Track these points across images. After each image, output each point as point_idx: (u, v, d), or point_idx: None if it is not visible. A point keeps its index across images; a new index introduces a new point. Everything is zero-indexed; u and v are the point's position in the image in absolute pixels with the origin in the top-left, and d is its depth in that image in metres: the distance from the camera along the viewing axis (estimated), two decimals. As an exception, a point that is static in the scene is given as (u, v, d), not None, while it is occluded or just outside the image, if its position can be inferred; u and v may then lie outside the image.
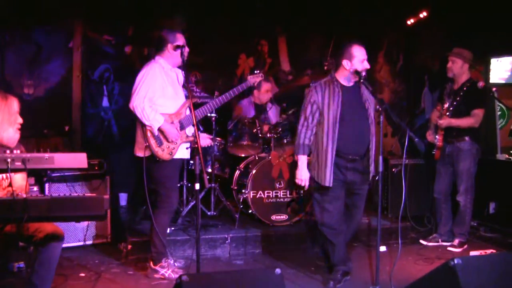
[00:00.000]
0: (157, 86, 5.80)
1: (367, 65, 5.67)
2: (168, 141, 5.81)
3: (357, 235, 7.36)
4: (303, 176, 5.83)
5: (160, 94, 5.83)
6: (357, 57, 5.64)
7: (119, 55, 8.73)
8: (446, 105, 7.04)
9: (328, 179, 5.65)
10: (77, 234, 7.00)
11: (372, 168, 5.81)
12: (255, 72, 6.73)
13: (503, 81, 8.92)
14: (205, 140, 6.43)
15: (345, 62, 5.68)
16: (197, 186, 5.12)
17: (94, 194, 4.28)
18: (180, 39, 5.97)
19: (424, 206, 8.09)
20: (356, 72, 5.57)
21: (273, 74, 9.66)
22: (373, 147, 5.79)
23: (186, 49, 5.97)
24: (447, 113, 7.03)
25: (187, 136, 5.97)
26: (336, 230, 5.86)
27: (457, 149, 7.18)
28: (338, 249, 5.92)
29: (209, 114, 6.31)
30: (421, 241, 7.56)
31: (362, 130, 5.72)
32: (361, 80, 5.53)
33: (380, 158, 5.29)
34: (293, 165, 7.42)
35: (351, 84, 5.76)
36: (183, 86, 6.09)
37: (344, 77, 5.74)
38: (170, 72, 5.99)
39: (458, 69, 7.17)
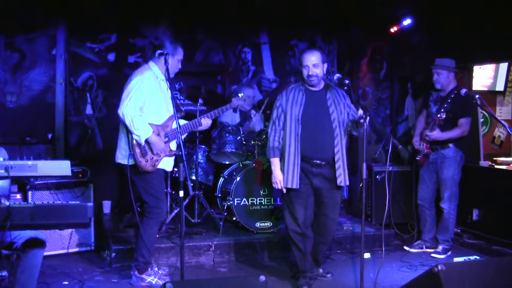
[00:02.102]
0: (149, 96, 5.77)
1: (311, 72, 5.75)
2: (152, 153, 5.80)
3: (340, 243, 7.39)
4: (277, 177, 5.92)
5: (150, 104, 5.80)
6: (301, 63, 5.83)
7: (103, 63, 8.70)
8: (443, 116, 7.02)
9: (294, 181, 5.78)
10: (60, 241, 6.97)
11: (342, 178, 5.82)
12: (239, 95, 6.87)
13: (485, 88, 9.00)
14: (206, 120, 6.31)
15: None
16: (181, 193, 5.10)
17: (78, 202, 4.27)
18: (180, 53, 5.99)
19: (408, 213, 8.13)
20: (339, 80, 5.65)
21: (257, 82, 9.66)
22: (341, 154, 5.80)
23: (179, 66, 6.04)
24: (437, 125, 7.05)
25: (171, 150, 5.96)
26: (303, 236, 5.95)
27: (441, 156, 7.23)
28: (305, 257, 6.02)
29: (194, 130, 6.30)
30: (405, 247, 7.60)
31: (325, 134, 5.78)
32: (345, 88, 5.60)
33: (364, 165, 5.29)
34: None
35: (316, 88, 5.87)
36: (171, 97, 6.06)
37: (307, 82, 5.90)
38: (162, 83, 5.95)
39: (445, 79, 7.23)
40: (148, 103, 5.76)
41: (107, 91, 8.65)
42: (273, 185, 5.97)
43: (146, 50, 6.03)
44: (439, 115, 7.02)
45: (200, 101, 7.38)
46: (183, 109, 7.03)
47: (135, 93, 5.67)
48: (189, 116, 6.79)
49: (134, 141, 5.70)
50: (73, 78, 8.52)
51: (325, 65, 5.84)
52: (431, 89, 7.49)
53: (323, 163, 5.79)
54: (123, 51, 8.82)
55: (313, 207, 5.98)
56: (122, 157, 5.92)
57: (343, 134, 5.82)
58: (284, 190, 5.89)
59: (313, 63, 5.73)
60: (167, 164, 6.03)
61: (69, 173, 4.36)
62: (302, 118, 5.76)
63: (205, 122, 6.27)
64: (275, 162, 5.93)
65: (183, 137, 6.33)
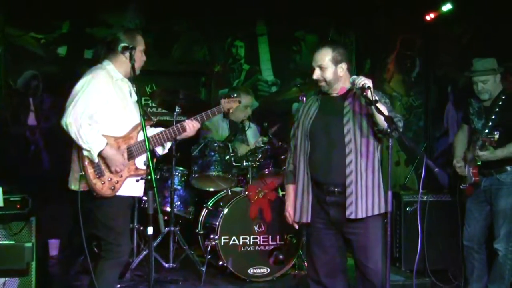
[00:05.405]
0: (101, 100, 5.64)
1: (315, 75, 5.68)
2: (110, 172, 5.71)
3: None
4: (286, 209, 5.86)
5: (105, 111, 5.67)
6: None
7: (51, 59, 8.67)
8: (495, 137, 6.85)
9: (303, 213, 5.66)
10: (-10, 294, 6.90)
11: (352, 208, 5.47)
12: (231, 96, 6.70)
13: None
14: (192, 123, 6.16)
15: None
16: (150, 230, 5.02)
17: (12, 242, 4.21)
18: (141, 43, 5.93)
19: (448, 257, 8.05)
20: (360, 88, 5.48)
21: (252, 85, 9.63)
22: (356, 176, 5.50)
23: (143, 58, 5.95)
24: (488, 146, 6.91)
25: (137, 169, 5.85)
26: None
27: (497, 183, 7.06)
28: None
29: (166, 145, 6.21)
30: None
31: (337, 152, 5.57)
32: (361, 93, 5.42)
33: (389, 194, 5.20)
34: (277, 203, 7.40)
35: (334, 94, 5.73)
36: (137, 101, 5.99)
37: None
38: (120, 83, 5.86)
39: (493, 87, 7.12)
40: (101, 109, 5.67)
41: (56, 95, 8.60)
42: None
43: (98, 48, 5.99)
44: (490, 136, 6.86)
45: (178, 109, 7.33)
46: (154, 119, 6.96)
47: (81, 97, 5.57)
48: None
49: (86, 160, 5.60)
50: (12, 78, 8.48)
51: (343, 65, 5.69)
52: (470, 98, 7.37)
53: (336, 189, 5.56)
54: (77, 43, 8.81)
55: (336, 249, 5.76)
56: (73, 181, 5.83)
57: (363, 150, 5.55)
58: (296, 226, 5.82)
59: (319, 64, 5.63)
60: (133, 188, 5.86)
61: (1, 203, 4.30)
62: (311, 133, 5.64)
63: (191, 126, 6.14)
64: (287, 190, 5.92)
65: (162, 151, 6.23)
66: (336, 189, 5.53)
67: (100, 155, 5.58)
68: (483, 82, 7.04)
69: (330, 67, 5.58)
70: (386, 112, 5.20)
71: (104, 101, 5.67)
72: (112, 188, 5.68)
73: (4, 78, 8.41)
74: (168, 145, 6.26)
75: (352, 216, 5.44)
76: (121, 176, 5.72)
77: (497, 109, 6.93)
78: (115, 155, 5.64)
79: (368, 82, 5.20)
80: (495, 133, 6.68)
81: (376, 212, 5.49)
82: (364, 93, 5.20)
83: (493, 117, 6.92)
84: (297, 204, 5.72)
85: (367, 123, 5.52)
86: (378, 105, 5.14)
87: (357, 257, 5.65)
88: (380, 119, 5.19)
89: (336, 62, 5.59)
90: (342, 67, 5.60)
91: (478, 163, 7.03)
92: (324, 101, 5.74)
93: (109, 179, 5.65)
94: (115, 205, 5.79)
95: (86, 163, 5.58)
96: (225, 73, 9.60)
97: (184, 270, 7.65)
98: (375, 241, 5.53)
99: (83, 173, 5.61)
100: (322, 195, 5.60)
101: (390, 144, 5.10)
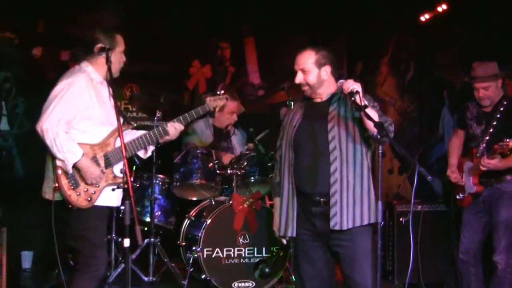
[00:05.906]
0: (80, 106, 5.57)
1: (298, 79, 5.60)
2: (86, 183, 5.66)
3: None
4: (274, 223, 5.80)
5: (83, 117, 5.60)
6: None
7: (25, 60, 8.62)
8: (510, 144, 6.73)
9: (288, 226, 5.59)
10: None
11: (337, 219, 5.40)
12: (218, 93, 6.61)
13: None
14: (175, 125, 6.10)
15: None
16: (127, 242, 4.96)
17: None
18: (121, 44, 5.88)
19: (444, 270, 8.02)
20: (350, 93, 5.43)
21: (238, 88, 9.59)
22: (341, 185, 5.43)
23: (122, 59, 5.90)
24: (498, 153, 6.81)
25: (115, 177, 5.78)
26: None
27: (497, 193, 6.96)
28: None
29: (149, 148, 6.14)
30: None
31: (322, 160, 5.50)
32: (352, 98, 5.37)
33: (379, 204, 5.15)
34: (263, 213, 7.36)
35: (319, 100, 5.69)
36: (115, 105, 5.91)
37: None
38: (100, 87, 5.78)
39: (495, 93, 7.05)
40: (79, 115, 5.60)
41: (30, 99, 8.56)
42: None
43: (76, 50, 5.93)
44: (502, 144, 6.76)
45: (158, 114, 7.27)
46: (134, 124, 6.91)
47: (60, 102, 5.48)
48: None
49: (59, 170, 5.52)
50: (-18, 81, 8.46)
51: (326, 68, 5.65)
52: (467, 101, 7.32)
53: (322, 199, 5.48)
54: (53, 44, 8.75)
55: (324, 262, 5.70)
56: (48, 190, 5.76)
57: (350, 157, 5.47)
58: (284, 241, 5.78)
59: (301, 67, 5.56)
60: (111, 197, 5.78)
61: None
62: (295, 142, 5.60)
63: (174, 128, 6.07)
64: (275, 204, 5.86)
65: (144, 155, 6.20)
66: (321, 199, 5.44)
67: (74, 166, 5.51)
68: (485, 89, 6.93)
69: (313, 70, 5.50)
70: (376, 118, 5.15)
71: (84, 107, 5.58)
72: (89, 199, 5.58)
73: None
74: (152, 148, 6.19)
75: (337, 227, 5.36)
76: (98, 186, 5.63)
77: (498, 115, 6.85)
78: (89, 168, 5.53)
79: (357, 87, 5.12)
80: (507, 140, 6.48)
81: (365, 222, 5.40)
82: (353, 98, 5.15)
83: (495, 123, 6.85)
84: (282, 218, 5.65)
85: (353, 129, 5.46)
86: (368, 110, 5.07)
87: (345, 270, 5.56)
88: (370, 125, 5.14)
89: (319, 65, 5.50)
90: (326, 70, 5.53)
91: (482, 170, 6.94)
92: (308, 107, 5.68)
93: (85, 189, 5.56)
94: (92, 216, 5.69)
95: (59, 172, 5.48)
96: (209, 76, 9.56)
97: (164, 284, 7.59)
98: (363, 254, 5.43)
99: (57, 184, 5.53)
100: (308, 206, 5.53)
101: (380, 151, 5.05)
